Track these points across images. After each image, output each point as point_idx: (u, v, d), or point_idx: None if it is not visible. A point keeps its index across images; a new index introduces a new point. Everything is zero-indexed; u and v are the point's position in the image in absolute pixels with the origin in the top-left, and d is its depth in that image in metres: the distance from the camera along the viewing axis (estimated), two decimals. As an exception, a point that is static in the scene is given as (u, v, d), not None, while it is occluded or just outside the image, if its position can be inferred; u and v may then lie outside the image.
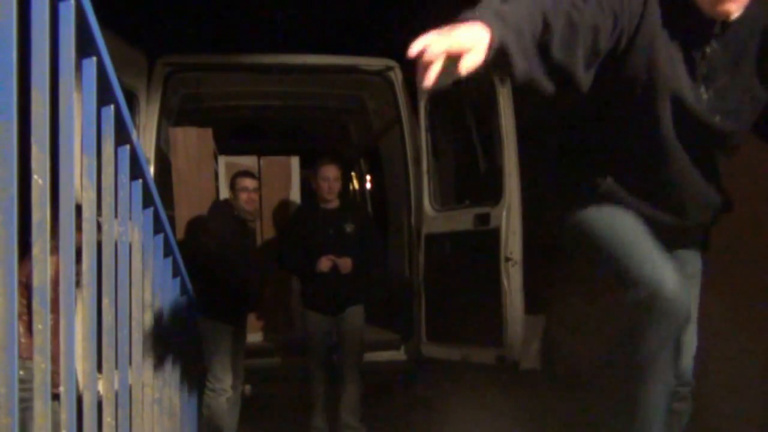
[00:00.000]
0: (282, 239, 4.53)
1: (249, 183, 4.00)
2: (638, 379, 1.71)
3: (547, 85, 1.55)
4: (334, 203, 4.12)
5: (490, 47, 1.37)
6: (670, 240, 1.82)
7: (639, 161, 1.79)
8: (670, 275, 1.64)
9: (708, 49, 1.67)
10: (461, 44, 1.33)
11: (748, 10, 1.64)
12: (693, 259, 1.97)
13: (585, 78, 1.60)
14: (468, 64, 1.34)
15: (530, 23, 1.46)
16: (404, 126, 5.05)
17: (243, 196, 3.95)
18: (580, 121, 1.90)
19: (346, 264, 3.97)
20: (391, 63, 5.08)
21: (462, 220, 4.42)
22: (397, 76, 5.07)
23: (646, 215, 1.80)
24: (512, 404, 4.01)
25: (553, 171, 2.02)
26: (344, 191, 4.22)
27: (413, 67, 1.36)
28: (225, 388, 3.82)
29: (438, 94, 4.65)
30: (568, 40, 1.52)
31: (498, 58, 1.41)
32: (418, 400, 4.69)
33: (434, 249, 4.65)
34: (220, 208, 4.10)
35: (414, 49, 1.34)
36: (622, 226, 1.78)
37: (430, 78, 1.33)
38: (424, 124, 4.76)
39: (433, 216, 4.71)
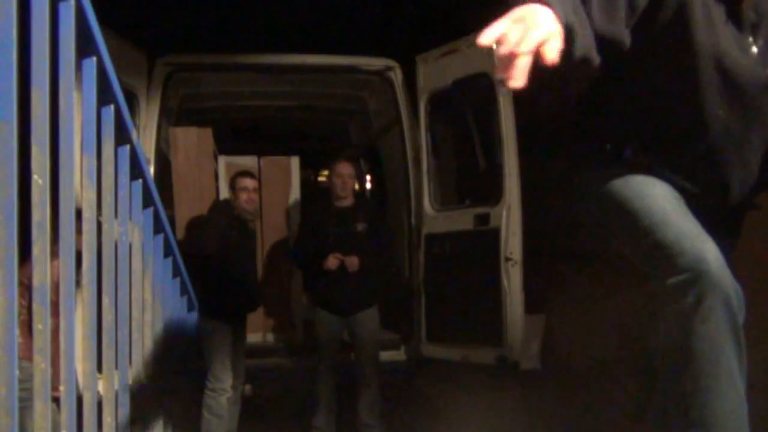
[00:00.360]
0: (297, 235, 4.55)
1: (249, 183, 4.00)
2: (704, 385, 1.45)
3: (596, 58, 1.39)
4: (348, 201, 4.12)
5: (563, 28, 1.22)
6: (702, 223, 1.57)
7: (670, 127, 1.60)
8: (711, 248, 1.45)
9: None
10: (540, 32, 1.15)
11: None
12: (724, 251, 1.70)
13: (627, 40, 1.46)
14: (553, 54, 1.16)
15: None
16: (404, 126, 5.05)
17: (243, 195, 3.95)
18: (603, 83, 1.68)
19: (352, 262, 3.96)
20: (391, 63, 5.08)
21: (462, 220, 4.42)
22: (397, 76, 5.07)
23: (679, 188, 1.59)
24: (512, 404, 4.01)
25: (572, 142, 1.78)
26: (360, 190, 4.23)
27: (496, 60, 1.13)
28: (225, 387, 3.82)
29: (438, 94, 4.65)
30: (606, 6, 1.40)
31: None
32: (418, 401, 4.69)
33: (434, 249, 4.65)
34: (221, 208, 4.10)
35: (486, 38, 1.14)
36: (653, 195, 1.55)
37: (521, 77, 1.14)
38: (424, 124, 4.76)
39: (433, 216, 4.71)
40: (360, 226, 4.08)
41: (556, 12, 1.22)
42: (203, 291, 3.69)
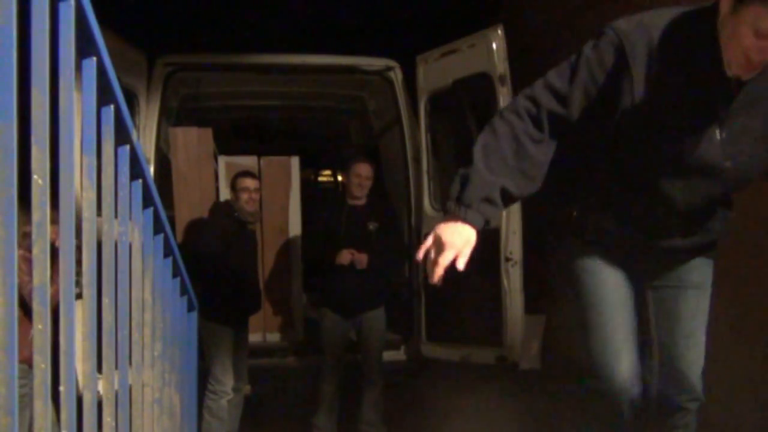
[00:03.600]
0: (309, 232, 4.56)
1: (250, 183, 3.96)
2: None
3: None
4: (362, 201, 4.09)
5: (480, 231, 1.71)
6: (669, 259, 1.84)
7: (629, 197, 1.78)
8: (626, 367, 1.76)
9: (728, 95, 1.61)
10: (449, 255, 1.66)
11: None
12: (701, 266, 1.89)
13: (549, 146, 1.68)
14: (462, 265, 1.67)
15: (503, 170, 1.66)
16: (404, 126, 5.05)
17: (244, 196, 3.92)
18: (577, 153, 1.83)
19: (362, 260, 3.92)
20: (391, 63, 5.08)
21: (462, 220, 4.41)
22: (397, 76, 5.08)
23: (638, 247, 1.83)
24: (512, 404, 4.01)
25: (548, 201, 1.96)
26: (375, 191, 4.19)
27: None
28: (225, 390, 3.81)
29: (438, 94, 4.65)
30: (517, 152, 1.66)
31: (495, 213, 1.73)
32: (418, 401, 4.69)
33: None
34: (220, 209, 4.07)
35: (419, 256, 1.72)
36: (601, 296, 1.82)
37: (438, 276, 1.66)
38: (424, 124, 4.77)
39: (433, 216, 4.71)
40: (371, 226, 4.03)
41: (473, 225, 1.68)
42: (204, 293, 3.70)
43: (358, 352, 4.17)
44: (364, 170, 4.03)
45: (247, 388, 4.17)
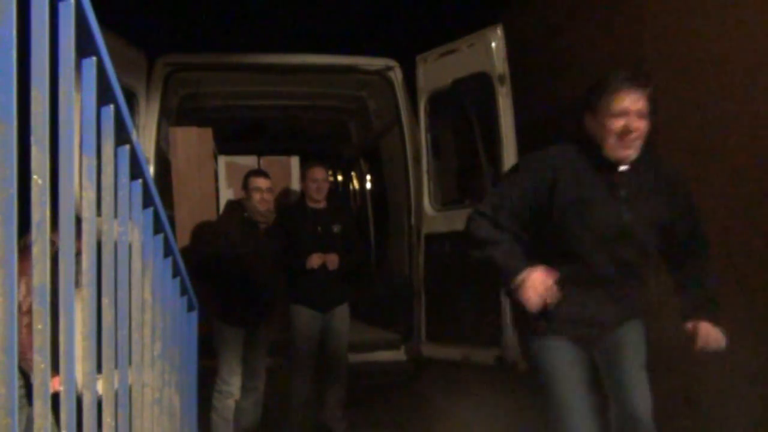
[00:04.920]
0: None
1: (262, 183, 3.89)
2: None
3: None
4: (322, 203, 4.19)
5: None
6: (609, 320, 2.29)
7: (569, 273, 2.21)
8: None
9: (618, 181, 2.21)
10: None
11: (642, 155, 2.20)
12: (634, 327, 2.35)
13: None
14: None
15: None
16: (404, 126, 5.05)
17: (256, 196, 3.84)
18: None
19: (333, 260, 4.04)
20: (391, 63, 5.08)
21: (462, 220, 4.39)
22: (397, 76, 5.08)
23: (584, 322, 2.28)
24: (512, 404, 4.01)
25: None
26: (331, 193, 4.36)
27: None
28: (231, 390, 3.79)
29: (438, 94, 4.65)
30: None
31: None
32: (418, 400, 4.70)
33: (434, 249, 4.65)
34: (231, 209, 4.00)
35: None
36: (559, 384, 2.25)
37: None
38: (424, 124, 4.77)
39: (433, 216, 4.71)
40: (336, 227, 4.17)
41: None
42: (215, 293, 3.69)
43: (323, 351, 4.19)
44: (320, 174, 4.18)
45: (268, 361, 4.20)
